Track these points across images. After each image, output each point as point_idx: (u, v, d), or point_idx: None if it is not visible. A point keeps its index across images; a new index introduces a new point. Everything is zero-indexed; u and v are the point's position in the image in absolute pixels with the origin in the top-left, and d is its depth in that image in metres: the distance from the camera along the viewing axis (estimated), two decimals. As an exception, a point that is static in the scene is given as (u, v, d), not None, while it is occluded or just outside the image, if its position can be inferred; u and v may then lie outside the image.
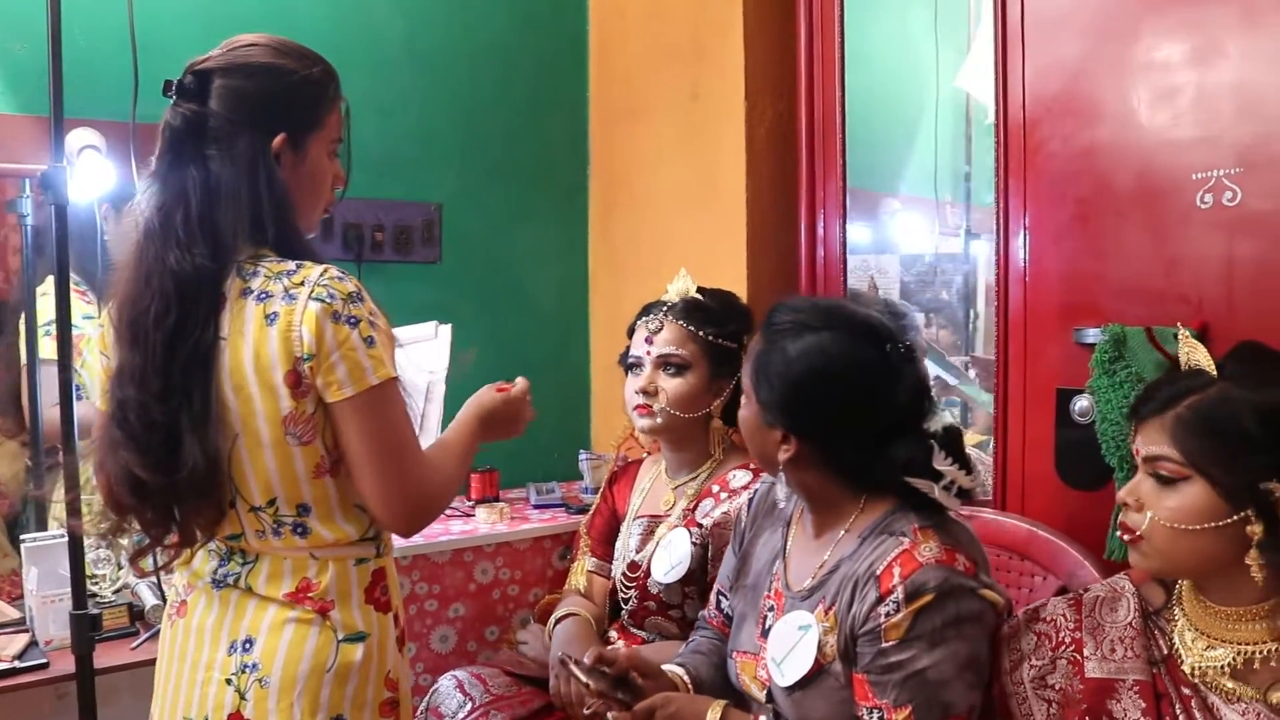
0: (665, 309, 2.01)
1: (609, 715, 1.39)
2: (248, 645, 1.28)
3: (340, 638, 1.29)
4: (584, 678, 1.43)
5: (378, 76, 2.64)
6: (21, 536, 2.07)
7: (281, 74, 1.31)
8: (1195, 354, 1.29)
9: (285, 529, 1.30)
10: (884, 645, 1.29)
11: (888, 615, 1.28)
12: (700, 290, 2.04)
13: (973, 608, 1.30)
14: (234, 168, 1.27)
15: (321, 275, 1.25)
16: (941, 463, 1.36)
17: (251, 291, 1.25)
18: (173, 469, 1.24)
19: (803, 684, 1.37)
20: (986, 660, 1.33)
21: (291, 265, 1.27)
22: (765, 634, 1.47)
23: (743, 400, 1.50)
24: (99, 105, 2.07)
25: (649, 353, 2.00)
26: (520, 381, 1.60)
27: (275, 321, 1.23)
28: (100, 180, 2.03)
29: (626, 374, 2.07)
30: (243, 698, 1.26)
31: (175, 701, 1.33)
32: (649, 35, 2.76)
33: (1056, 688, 1.31)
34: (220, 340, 1.25)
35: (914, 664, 1.27)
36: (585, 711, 1.50)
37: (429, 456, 1.34)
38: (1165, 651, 1.27)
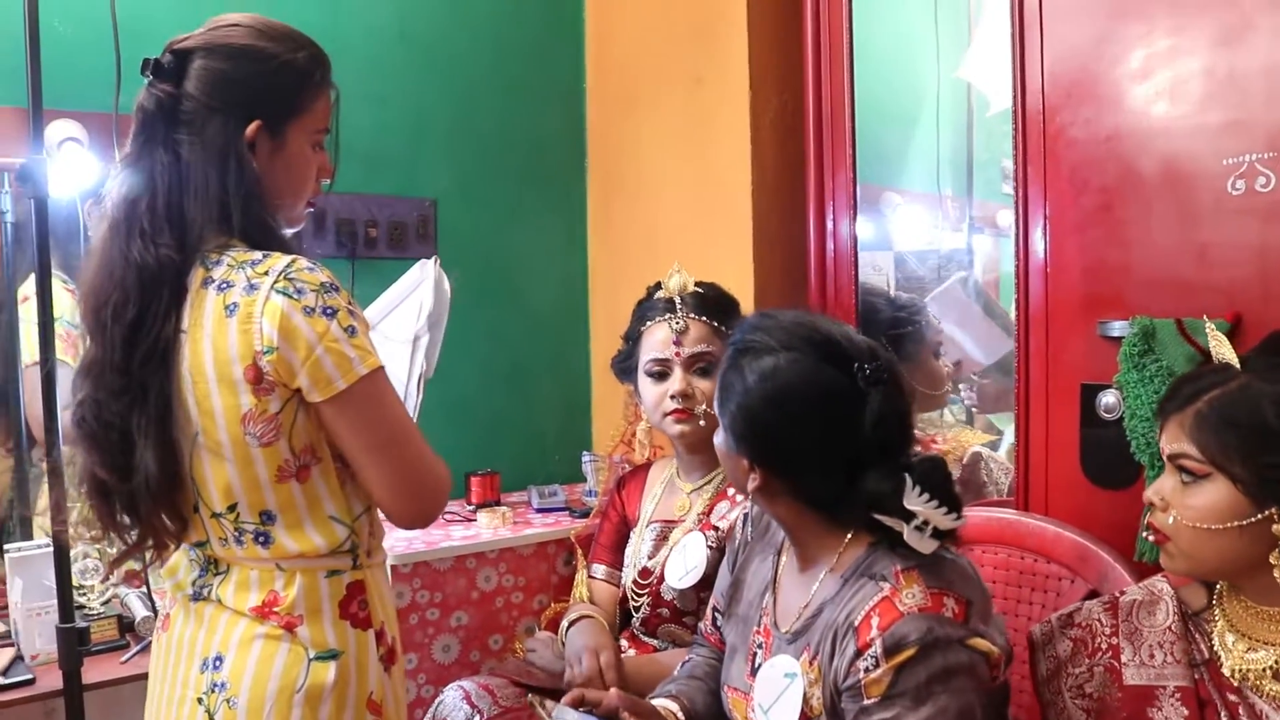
0: (684, 306, 1.94)
1: None
2: (217, 663, 1.21)
3: (311, 655, 1.21)
4: (539, 706, 1.34)
5: (369, 66, 2.58)
6: (5, 546, 2.01)
7: (261, 57, 1.24)
8: (1221, 348, 1.27)
9: (247, 537, 1.23)
10: (865, 703, 1.18)
11: (867, 671, 1.17)
12: (698, 284, 1.98)
13: (961, 659, 1.17)
14: (204, 153, 1.20)
15: (289, 266, 1.17)
16: (915, 500, 1.21)
17: (213, 281, 1.19)
18: (129, 472, 1.19)
19: None
20: (980, 714, 1.19)
21: (258, 255, 1.19)
22: (754, 672, 1.38)
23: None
24: (81, 96, 2.01)
25: (678, 354, 1.92)
26: None
27: (235, 313, 1.16)
28: (82, 173, 1.96)
29: (641, 380, 1.98)
30: (211, 718, 1.20)
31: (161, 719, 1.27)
32: (648, 18, 2.68)
33: (1094, 696, 1.27)
34: (181, 334, 1.18)
35: None
36: None
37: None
38: (1206, 655, 1.22)
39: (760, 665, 1.36)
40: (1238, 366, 1.21)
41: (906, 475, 1.22)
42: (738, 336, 1.35)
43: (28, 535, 2.14)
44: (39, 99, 1.67)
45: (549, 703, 1.39)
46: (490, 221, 2.80)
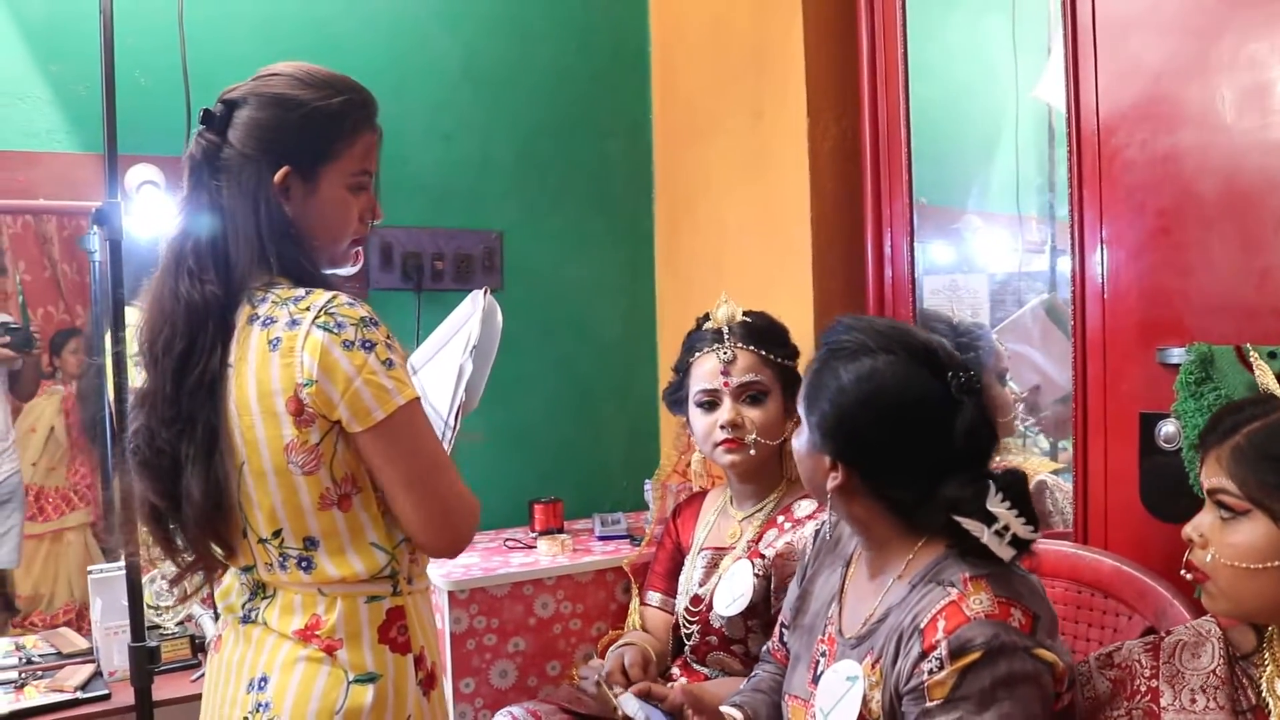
0: (731, 336, 1.94)
1: None
2: (263, 684, 1.25)
3: (350, 678, 1.25)
4: (605, 687, 1.34)
5: (436, 103, 2.65)
6: (89, 568, 2.12)
7: (292, 104, 1.29)
8: (1265, 378, 1.22)
9: (291, 562, 1.27)
10: (927, 705, 1.18)
11: (930, 673, 1.17)
12: (747, 313, 1.97)
13: (1026, 668, 1.16)
14: (240, 199, 1.27)
15: (329, 302, 1.22)
16: (997, 505, 1.23)
17: (258, 318, 1.24)
18: (178, 498, 1.25)
19: None
20: None
21: (300, 292, 1.25)
22: (816, 680, 1.38)
23: (799, 426, 1.41)
24: (158, 141, 2.12)
25: (727, 384, 1.92)
26: None
27: (278, 347, 1.21)
28: (159, 214, 2.06)
29: (691, 410, 1.99)
30: None
31: None
32: (711, 54, 2.71)
33: (1133, 740, 1.20)
34: (228, 368, 1.25)
35: None
36: None
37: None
38: (1253, 701, 1.15)
39: (822, 673, 1.36)
40: None
41: (990, 483, 1.24)
42: (832, 337, 1.37)
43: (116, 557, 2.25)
44: (114, 145, 1.77)
45: (617, 688, 1.39)
46: (556, 252, 2.85)
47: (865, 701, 1.26)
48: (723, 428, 1.90)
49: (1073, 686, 1.25)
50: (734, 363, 1.92)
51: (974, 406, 1.28)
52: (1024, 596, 1.22)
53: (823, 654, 1.40)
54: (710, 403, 1.95)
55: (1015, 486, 1.25)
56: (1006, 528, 1.23)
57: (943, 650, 1.17)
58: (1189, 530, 1.19)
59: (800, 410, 1.39)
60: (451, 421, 1.43)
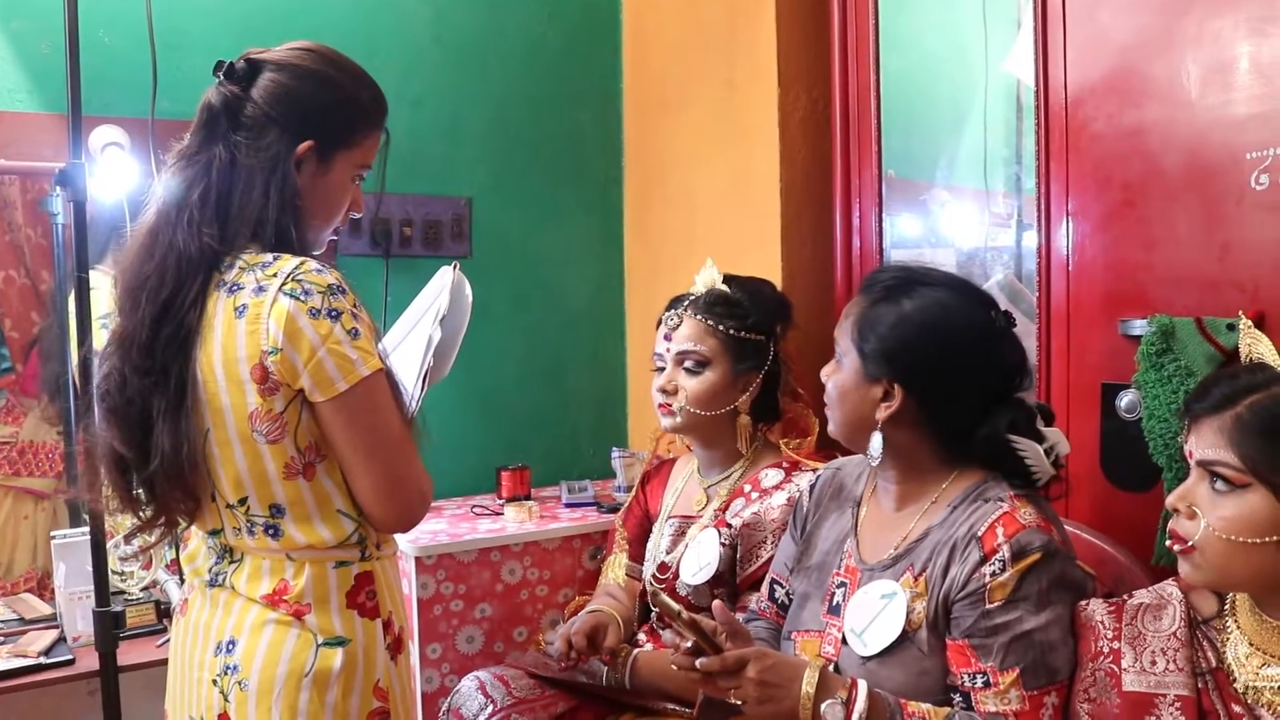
0: (686, 304, 1.95)
1: (698, 661, 1.32)
2: (230, 646, 1.26)
3: (319, 641, 1.25)
4: (677, 607, 1.34)
5: (405, 68, 2.62)
6: (52, 533, 2.10)
7: (330, 85, 1.31)
8: (1259, 346, 1.19)
9: (258, 529, 1.27)
10: (988, 607, 1.27)
11: (993, 575, 1.27)
12: (729, 280, 1.98)
13: (1076, 574, 1.30)
14: (256, 159, 1.27)
15: (297, 269, 1.22)
16: (1043, 427, 1.38)
17: (225, 284, 1.24)
18: (146, 449, 1.24)
19: (883, 653, 1.34)
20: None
21: (268, 258, 1.24)
22: (833, 610, 1.44)
23: (829, 367, 1.47)
24: (123, 103, 2.08)
25: (669, 350, 1.96)
26: None
27: (244, 314, 1.21)
28: (123, 176, 2.03)
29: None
30: (225, 699, 1.24)
31: (181, 700, 1.33)
32: (683, 23, 2.70)
33: (1095, 700, 1.23)
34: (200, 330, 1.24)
35: (1020, 625, 1.25)
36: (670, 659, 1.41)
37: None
38: (1213, 664, 1.18)
39: (840, 603, 1.44)
40: (1277, 367, 1.14)
41: (1034, 409, 1.39)
42: (873, 280, 1.46)
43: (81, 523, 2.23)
44: (78, 106, 1.74)
45: (664, 597, 1.39)
46: (526, 220, 2.83)
47: (907, 613, 1.33)
48: (659, 391, 1.96)
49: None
50: (678, 329, 1.94)
51: (1015, 341, 1.42)
52: (1055, 521, 1.34)
53: (839, 585, 1.46)
54: (660, 368, 1.99)
55: (1048, 414, 1.42)
56: (1053, 447, 1.36)
57: (1005, 553, 1.27)
58: (1175, 500, 1.17)
59: (843, 346, 1.44)
60: (418, 390, 1.44)
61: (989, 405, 1.38)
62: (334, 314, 1.20)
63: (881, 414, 1.39)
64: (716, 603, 1.37)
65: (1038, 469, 1.35)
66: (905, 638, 1.33)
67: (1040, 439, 1.36)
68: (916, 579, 1.35)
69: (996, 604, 1.26)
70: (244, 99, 1.27)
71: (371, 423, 1.23)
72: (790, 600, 1.58)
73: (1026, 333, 2.45)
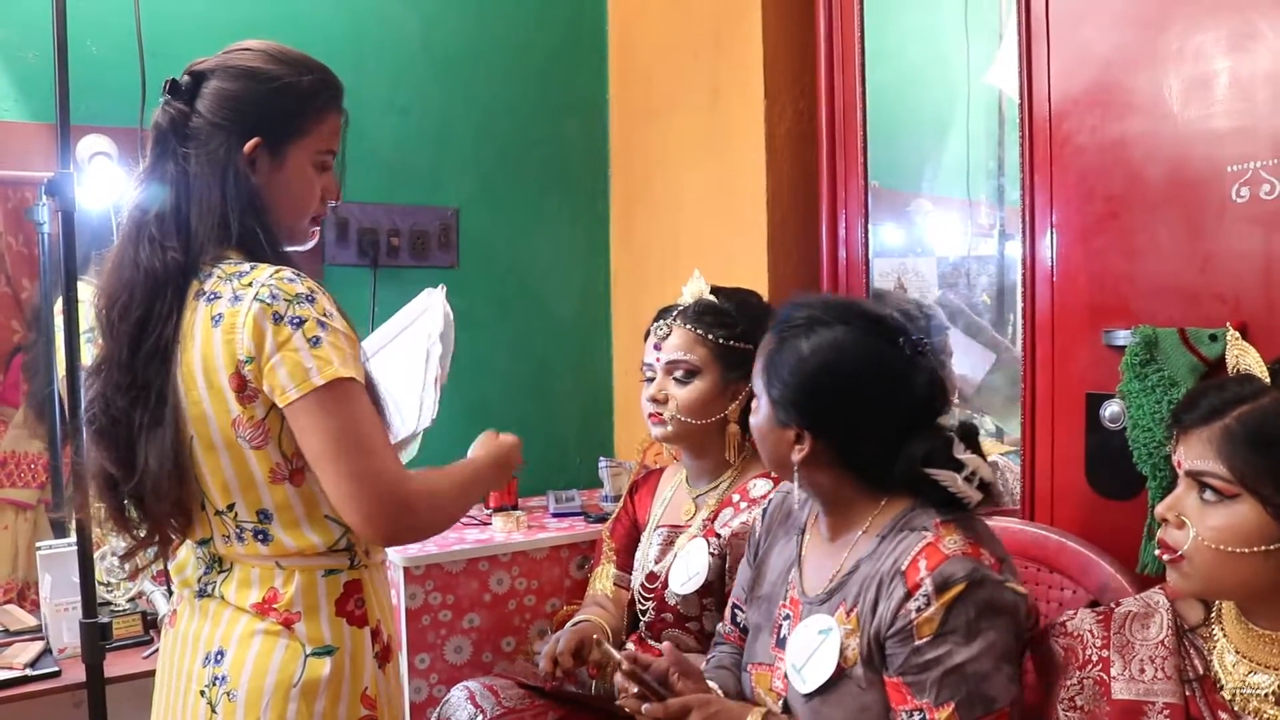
0: (675, 314, 1.96)
1: (643, 708, 1.32)
2: (219, 657, 1.25)
3: (308, 651, 1.25)
4: (618, 658, 1.36)
5: (393, 78, 2.62)
6: (37, 544, 2.08)
7: (265, 78, 1.30)
8: (1246, 357, 1.19)
9: (247, 534, 1.27)
10: (917, 643, 1.23)
11: (918, 610, 1.23)
12: (716, 290, 1.99)
13: (1005, 598, 1.25)
14: (208, 167, 1.26)
15: (270, 276, 1.22)
16: (963, 453, 1.32)
17: (204, 293, 1.24)
18: (134, 467, 1.24)
19: (823, 690, 1.32)
20: (1019, 655, 1.27)
21: (245, 267, 1.24)
22: (780, 644, 1.42)
23: (754, 404, 1.45)
24: (111, 112, 2.08)
25: (659, 359, 1.96)
26: (511, 436, 1.56)
27: (220, 323, 1.21)
28: (112, 186, 2.02)
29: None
30: (214, 710, 1.24)
31: (168, 712, 1.32)
32: (669, 32, 2.71)
33: (1084, 709, 1.24)
34: (179, 340, 1.24)
35: (951, 659, 1.22)
36: (617, 703, 1.44)
37: (424, 475, 1.28)
38: (1200, 671, 1.19)
39: (786, 636, 1.41)
40: (1265, 379, 1.15)
41: (951, 434, 1.34)
42: (784, 316, 1.42)
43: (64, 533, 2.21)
44: (66, 116, 1.73)
45: (606, 645, 1.41)
46: (513, 230, 2.84)
47: (842, 650, 1.31)
48: (649, 400, 1.96)
49: (1038, 623, 1.33)
50: (667, 338, 1.95)
51: (927, 368, 1.36)
52: (988, 540, 1.31)
53: (786, 617, 1.44)
54: (650, 378, 1.99)
55: (971, 435, 1.36)
56: (974, 473, 1.32)
57: (928, 587, 1.23)
58: (1164, 510, 1.17)
59: (758, 388, 1.42)
60: (428, 399, 1.44)
61: (904, 437, 1.34)
62: (296, 321, 1.19)
63: (796, 457, 1.37)
64: (666, 644, 1.40)
65: (963, 495, 1.31)
66: (842, 674, 1.31)
67: (960, 467, 1.31)
68: (849, 614, 1.32)
69: (925, 639, 1.22)
70: (188, 112, 1.28)
71: (329, 428, 1.19)
72: (749, 626, 1.57)
73: (967, 349, 2.49)
